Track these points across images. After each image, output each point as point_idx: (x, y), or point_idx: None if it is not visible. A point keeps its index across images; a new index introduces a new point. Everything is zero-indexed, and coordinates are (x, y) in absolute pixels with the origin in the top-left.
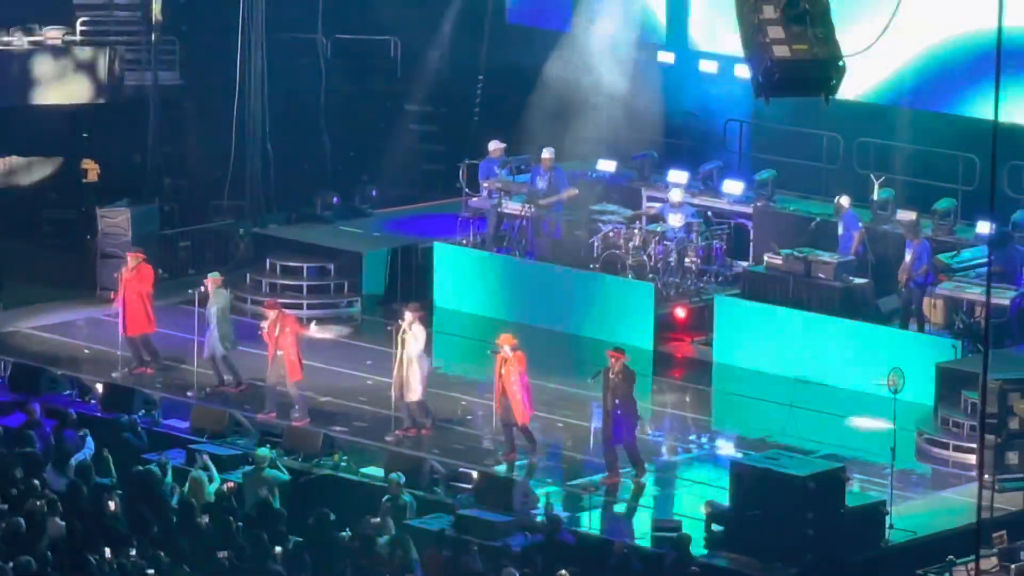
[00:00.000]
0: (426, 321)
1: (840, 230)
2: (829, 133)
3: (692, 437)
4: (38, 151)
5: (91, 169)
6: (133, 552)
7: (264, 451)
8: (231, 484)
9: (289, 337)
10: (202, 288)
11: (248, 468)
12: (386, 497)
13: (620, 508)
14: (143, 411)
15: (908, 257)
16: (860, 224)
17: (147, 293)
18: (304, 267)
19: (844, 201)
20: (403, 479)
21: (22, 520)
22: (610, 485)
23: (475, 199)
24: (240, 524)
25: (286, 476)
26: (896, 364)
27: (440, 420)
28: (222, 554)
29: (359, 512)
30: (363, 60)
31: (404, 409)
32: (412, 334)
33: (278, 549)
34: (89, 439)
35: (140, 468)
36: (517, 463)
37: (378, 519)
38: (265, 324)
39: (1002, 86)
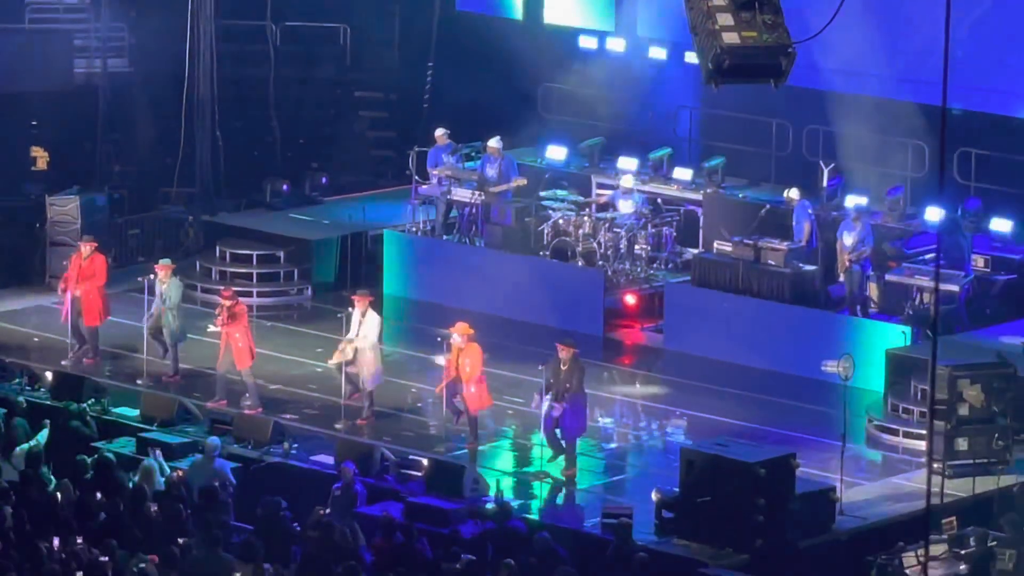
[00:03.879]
0: (377, 308)
1: (793, 221)
2: (779, 120)
3: (642, 424)
4: None
5: (40, 157)
6: (80, 540)
7: (214, 439)
8: (180, 472)
9: (242, 325)
10: (152, 276)
11: (197, 456)
12: (336, 485)
13: (568, 496)
14: (92, 399)
15: (849, 240)
16: (811, 214)
17: (100, 284)
18: (254, 255)
19: (794, 193)
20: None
21: None
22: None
23: (425, 186)
24: (190, 512)
25: (235, 464)
26: (846, 350)
27: (391, 408)
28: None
29: (309, 500)
30: (313, 47)
31: (363, 394)
32: (367, 322)
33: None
34: (45, 430)
35: (97, 456)
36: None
37: (327, 509)
38: (220, 312)
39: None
